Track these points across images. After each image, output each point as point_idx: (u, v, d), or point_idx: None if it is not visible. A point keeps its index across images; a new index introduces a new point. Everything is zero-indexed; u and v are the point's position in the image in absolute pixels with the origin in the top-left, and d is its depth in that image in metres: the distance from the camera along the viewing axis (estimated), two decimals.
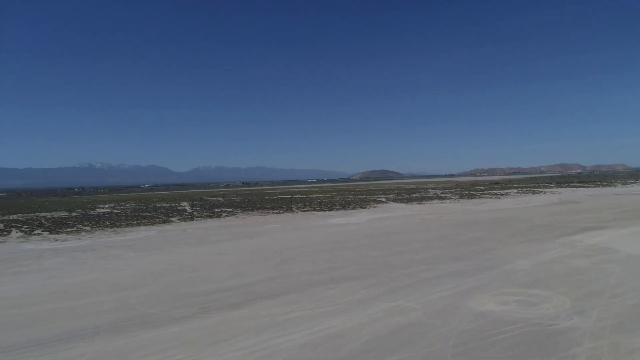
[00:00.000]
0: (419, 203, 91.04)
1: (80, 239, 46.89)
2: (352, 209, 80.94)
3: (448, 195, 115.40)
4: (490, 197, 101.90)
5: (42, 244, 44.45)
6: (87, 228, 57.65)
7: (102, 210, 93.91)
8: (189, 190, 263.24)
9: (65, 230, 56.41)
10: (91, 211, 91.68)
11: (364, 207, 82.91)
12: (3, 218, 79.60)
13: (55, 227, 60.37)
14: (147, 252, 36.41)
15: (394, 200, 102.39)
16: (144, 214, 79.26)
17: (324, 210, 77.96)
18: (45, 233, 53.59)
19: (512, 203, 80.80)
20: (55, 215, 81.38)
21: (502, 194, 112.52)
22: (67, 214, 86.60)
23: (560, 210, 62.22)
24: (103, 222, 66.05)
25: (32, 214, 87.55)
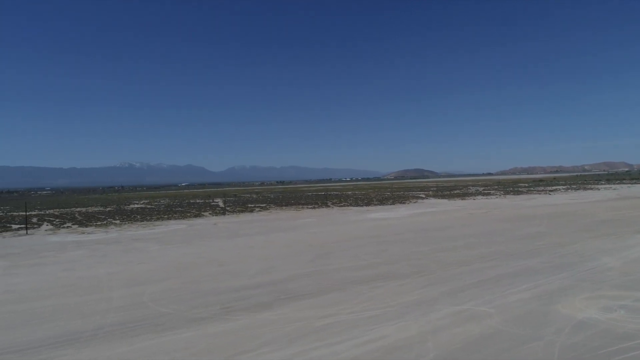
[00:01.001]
0: (462, 199, 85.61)
1: (107, 232, 44.85)
2: (390, 204, 76.63)
3: (491, 191, 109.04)
4: (539, 193, 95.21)
5: (68, 236, 42.58)
6: (117, 222, 55.89)
7: (136, 205, 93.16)
8: (224, 189, 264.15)
9: (94, 223, 54.84)
10: (125, 206, 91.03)
11: (403, 203, 78.42)
12: (40, 212, 79.66)
13: (86, 220, 59.03)
14: (173, 245, 33.60)
15: (434, 197, 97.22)
16: (177, 209, 77.54)
17: (361, 206, 73.99)
18: (75, 226, 52.06)
19: (565, 198, 74.36)
20: (89, 210, 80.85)
21: (550, 190, 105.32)
22: (101, 209, 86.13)
23: (624, 205, 55.89)
24: (134, 216, 64.44)
25: (68, 209, 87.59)
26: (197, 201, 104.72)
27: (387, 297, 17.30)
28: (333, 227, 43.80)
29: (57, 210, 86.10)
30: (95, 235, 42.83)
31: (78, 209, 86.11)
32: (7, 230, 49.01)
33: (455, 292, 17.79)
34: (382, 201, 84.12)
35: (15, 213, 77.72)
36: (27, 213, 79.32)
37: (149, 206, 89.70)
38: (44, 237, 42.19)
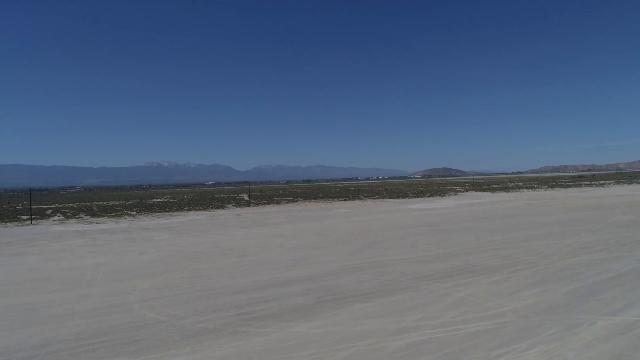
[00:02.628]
0: (507, 191, 78.24)
1: (118, 222, 40.07)
2: (428, 196, 70.06)
3: (534, 185, 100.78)
4: (590, 186, 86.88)
5: (74, 226, 37.97)
6: (133, 213, 51.30)
7: (158, 200, 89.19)
8: (251, 186, 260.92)
9: (109, 214, 50.38)
10: (147, 200, 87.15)
11: (443, 195, 71.67)
12: (58, 206, 76.42)
13: (102, 212, 54.75)
14: (186, 235, 28.30)
15: (474, 190, 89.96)
16: (199, 202, 72.87)
17: (397, 198, 67.71)
18: (87, 217, 47.65)
19: (625, 190, 66.25)
20: (109, 204, 77.09)
21: (601, 184, 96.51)
22: (122, 202, 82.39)
23: None
24: (153, 208, 59.94)
25: (88, 203, 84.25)
26: (222, 196, 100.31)
27: (485, 300, 11.32)
28: (372, 216, 37.87)
29: (77, 203, 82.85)
30: (103, 225, 38.08)
31: (98, 203, 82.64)
32: (15, 221, 44.93)
33: (590, 293, 11.66)
34: (419, 194, 77.56)
35: (34, 206, 74.66)
36: (45, 206, 76.11)
37: (170, 200, 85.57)
38: (48, 227, 37.68)
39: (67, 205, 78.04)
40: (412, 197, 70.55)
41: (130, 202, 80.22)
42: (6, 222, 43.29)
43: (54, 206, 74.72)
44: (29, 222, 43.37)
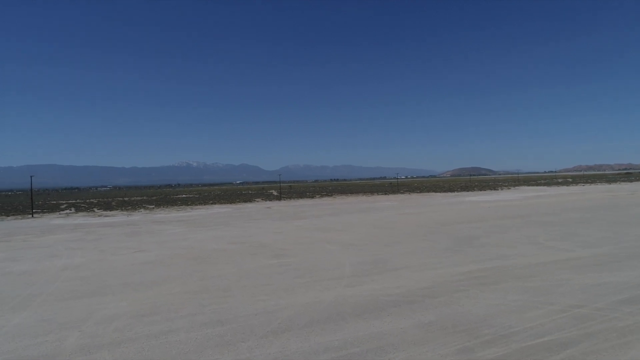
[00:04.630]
0: (562, 186, 69.82)
1: (130, 215, 34.45)
2: (479, 190, 62.49)
3: (588, 181, 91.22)
4: None
5: (77, 219, 32.60)
6: (151, 207, 45.82)
7: (183, 196, 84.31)
8: (281, 184, 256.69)
9: (124, 208, 45.00)
10: (172, 196, 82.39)
11: (495, 189, 63.88)
12: (78, 201, 72.31)
13: (118, 206, 49.58)
14: (204, 228, 22.14)
15: (525, 185, 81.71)
16: (226, 197, 67.32)
17: (444, 192, 60.37)
18: (100, 211, 42.32)
19: None
20: (131, 199, 72.45)
21: None
22: (144, 198, 77.77)
23: None
24: (175, 202, 54.53)
25: (110, 198, 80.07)
26: (250, 192, 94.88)
27: None
28: (429, 208, 31.01)
29: (98, 199, 78.71)
30: (111, 218, 32.51)
31: (121, 199, 78.25)
32: (18, 214, 39.98)
33: None
34: (466, 189, 69.92)
35: (53, 202, 70.85)
36: (65, 201, 72.15)
37: (195, 196, 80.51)
38: (47, 220, 32.38)
39: (87, 200, 73.87)
40: (459, 191, 63.06)
41: (154, 198, 75.49)
42: (9, 216, 38.33)
43: (73, 201, 70.55)
44: (38, 215, 38.33)
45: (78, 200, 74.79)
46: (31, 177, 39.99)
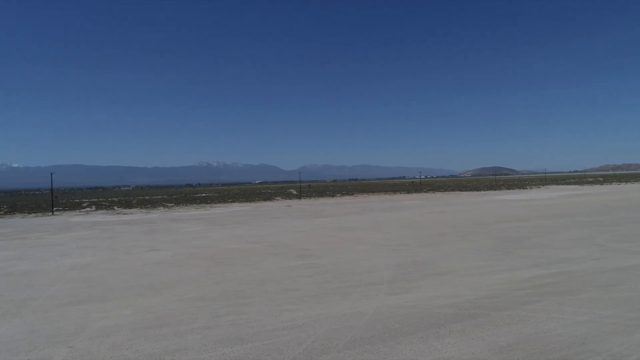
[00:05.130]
0: (599, 185, 66.86)
1: (149, 213, 33.68)
2: (506, 189, 60.19)
3: (621, 181, 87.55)
4: None
5: (96, 216, 32.02)
6: (170, 205, 45.14)
7: (202, 195, 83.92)
8: (301, 183, 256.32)
9: (144, 206, 44.39)
10: (192, 195, 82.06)
11: (523, 188, 61.46)
12: (100, 199, 72.49)
13: (138, 204, 49.09)
14: (222, 226, 20.99)
15: (554, 184, 78.78)
16: (245, 196, 66.49)
17: (469, 191, 58.27)
18: (120, 209, 41.77)
19: None
20: (152, 198, 72.29)
21: None
22: (165, 196, 77.60)
23: None
24: (194, 200, 53.85)
25: (131, 197, 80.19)
26: (269, 191, 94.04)
27: None
28: (458, 207, 29.36)
29: (118, 198, 78.88)
30: (130, 215, 31.78)
31: (141, 197, 78.24)
32: (39, 212, 39.67)
33: None
34: (493, 187, 67.64)
35: (76, 200, 71.16)
36: (87, 200, 72.36)
37: (215, 194, 79.99)
38: (65, 218, 31.81)
39: (109, 199, 74.00)
40: (485, 190, 60.86)
41: (174, 197, 75.22)
42: (30, 213, 38.01)
43: (95, 200, 70.68)
44: (58, 212, 37.93)
45: (100, 199, 74.99)
46: (51, 174, 39.65)
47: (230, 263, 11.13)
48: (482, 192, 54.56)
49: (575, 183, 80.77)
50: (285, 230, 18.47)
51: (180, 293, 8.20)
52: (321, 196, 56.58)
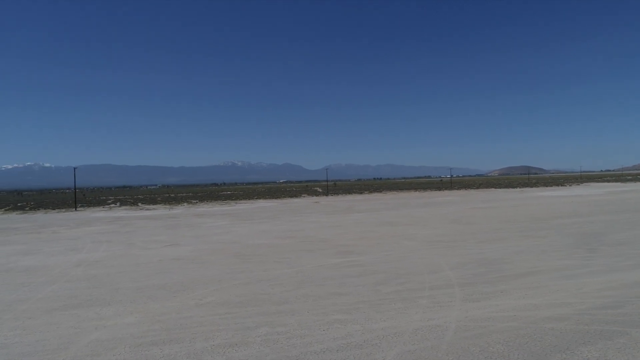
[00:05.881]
0: (633, 182, 63.03)
1: (172, 209, 32.63)
2: (544, 186, 57.15)
3: None
4: None
5: (118, 212, 31.26)
6: (194, 201, 44.17)
7: (228, 192, 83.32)
8: (328, 182, 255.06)
9: (168, 203, 43.56)
10: (217, 193, 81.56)
11: (562, 185, 58.31)
12: (126, 197, 72.53)
13: (162, 201, 48.35)
14: (249, 221, 19.54)
15: (595, 182, 74.97)
16: (271, 193, 65.33)
17: (504, 188, 55.49)
18: (143, 205, 40.97)
19: None
20: (177, 195, 71.96)
21: None
22: (190, 194, 77.26)
23: None
24: (220, 197, 52.84)
25: (156, 195, 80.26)
26: (294, 189, 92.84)
27: None
28: (500, 203, 27.22)
29: (144, 195, 78.93)
30: (152, 211, 30.76)
31: (165, 195, 78.11)
32: (64, 208, 39.20)
33: None
34: (527, 185, 64.58)
35: (102, 197, 71.41)
36: (113, 197, 72.50)
37: (240, 192, 79.21)
38: (87, 213, 31.03)
39: (134, 196, 74.03)
40: (520, 187, 57.99)
41: (199, 194, 74.77)
42: (54, 209, 37.55)
43: (121, 197, 70.73)
44: (82, 208, 37.36)
45: (126, 196, 75.10)
46: (74, 169, 39.04)
47: (259, 260, 9.52)
48: (519, 189, 51.86)
49: (614, 181, 76.76)
50: (318, 225, 16.83)
51: (198, 296, 6.61)
52: (348, 193, 54.85)
